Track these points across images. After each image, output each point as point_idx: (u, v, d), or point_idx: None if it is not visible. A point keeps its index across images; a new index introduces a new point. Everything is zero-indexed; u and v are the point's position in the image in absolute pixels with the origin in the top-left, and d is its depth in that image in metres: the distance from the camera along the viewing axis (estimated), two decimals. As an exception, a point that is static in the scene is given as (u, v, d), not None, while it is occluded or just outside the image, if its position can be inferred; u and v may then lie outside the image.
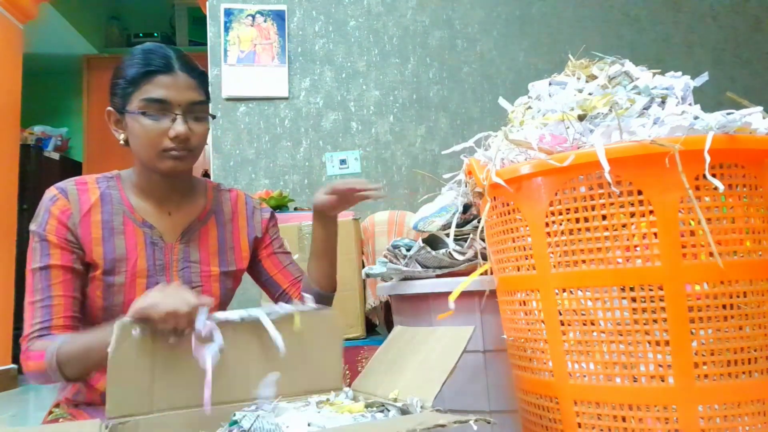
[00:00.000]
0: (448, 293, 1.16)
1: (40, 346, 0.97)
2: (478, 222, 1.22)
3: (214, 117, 1.09)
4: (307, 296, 1.02)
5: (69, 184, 1.05)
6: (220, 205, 1.15)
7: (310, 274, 1.16)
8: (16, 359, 3.24)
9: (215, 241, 1.12)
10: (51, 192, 1.03)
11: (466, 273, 1.20)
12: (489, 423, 0.64)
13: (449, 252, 1.20)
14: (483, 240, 1.15)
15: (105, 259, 1.02)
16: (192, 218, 1.11)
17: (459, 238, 1.25)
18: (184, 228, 1.09)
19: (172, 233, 1.08)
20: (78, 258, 1.01)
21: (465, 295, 1.14)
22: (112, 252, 1.03)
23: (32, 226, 1.02)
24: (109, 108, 1.03)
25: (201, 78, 1.04)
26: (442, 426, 0.61)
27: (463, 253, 1.20)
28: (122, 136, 1.03)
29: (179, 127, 0.99)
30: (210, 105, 1.08)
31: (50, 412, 1.07)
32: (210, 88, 1.11)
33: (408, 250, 1.30)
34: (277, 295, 1.19)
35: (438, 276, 1.23)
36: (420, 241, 1.23)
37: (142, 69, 0.99)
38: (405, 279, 1.29)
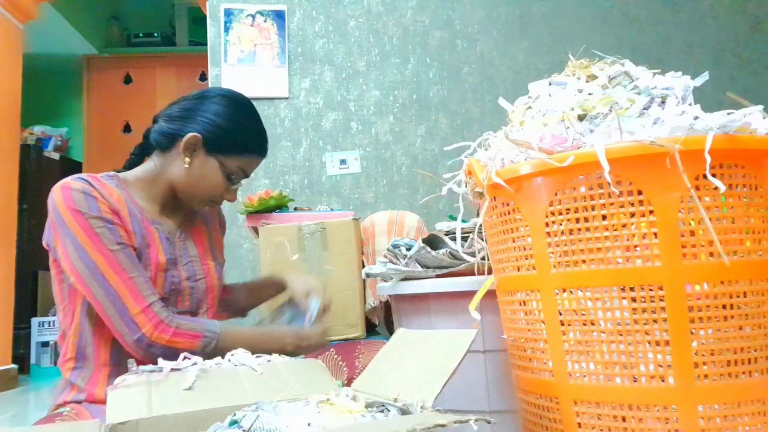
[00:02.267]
0: (448, 293, 1.17)
1: (188, 325, 1.03)
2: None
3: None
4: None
5: (86, 177, 1.05)
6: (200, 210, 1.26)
7: (238, 299, 1.38)
8: (16, 359, 3.23)
9: (205, 239, 1.23)
10: (78, 184, 1.02)
11: (466, 273, 1.20)
12: (489, 423, 0.64)
13: (449, 252, 1.20)
14: (483, 240, 1.15)
15: (137, 248, 1.06)
16: (183, 220, 1.20)
17: (463, 237, 1.25)
18: (179, 228, 1.18)
19: (174, 231, 1.16)
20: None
21: (465, 295, 1.14)
22: (142, 242, 1.07)
23: (84, 211, 0.99)
24: (196, 134, 1.08)
25: None
26: (442, 426, 0.61)
27: (466, 253, 1.20)
28: (187, 161, 1.09)
29: (234, 195, 1.17)
30: None
31: (55, 408, 1.07)
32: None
33: (408, 249, 1.30)
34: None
35: (438, 276, 1.23)
36: (420, 241, 1.23)
37: (256, 151, 1.15)
38: (405, 279, 1.29)
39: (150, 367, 0.90)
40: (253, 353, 1.03)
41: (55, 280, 1.08)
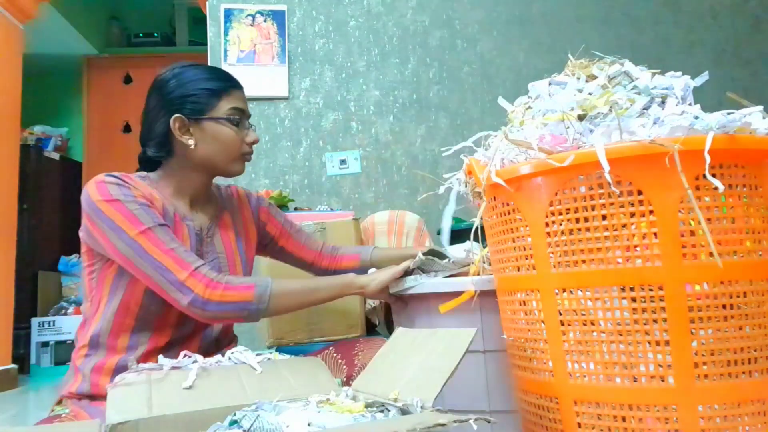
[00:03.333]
0: (448, 293, 1.16)
1: (240, 280, 1.05)
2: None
3: None
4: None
5: (118, 175, 1.08)
6: (228, 202, 1.27)
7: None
8: (16, 359, 3.23)
9: (233, 234, 1.22)
10: (109, 178, 1.05)
11: (466, 273, 1.20)
12: (489, 422, 0.64)
13: (452, 261, 1.20)
14: (477, 240, 1.14)
15: None
16: (212, 215, 1.21)
17: (458, 241, 1.25)
18: (208, 224, 1.19)
19: (204, 227, 1.17)
20: None
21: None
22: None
23: (117, 197, 1.03)
24: (178, 115, 1.10)
25: None
26: (442, 425, 0.61)
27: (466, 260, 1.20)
28: (191, 141, 1.11)
29: (254, 134, 1.17)
30: None
31: (52, 410, 1.07)
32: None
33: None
34: (308, 267, 1.38)
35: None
36: (420, 254, 1.22)
37: (224, 83, 1.14)
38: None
39: (150, 365, 0.90)
40: (308, 303, 1.13)
41: (85, 271, 1.12)
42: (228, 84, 1.15)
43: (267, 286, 1.06)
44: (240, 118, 1.14)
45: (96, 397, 1.05)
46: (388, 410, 0.79)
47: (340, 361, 1.18)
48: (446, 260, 1.21)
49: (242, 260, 1.22)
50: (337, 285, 1.15)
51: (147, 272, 1.01)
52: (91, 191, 1.04)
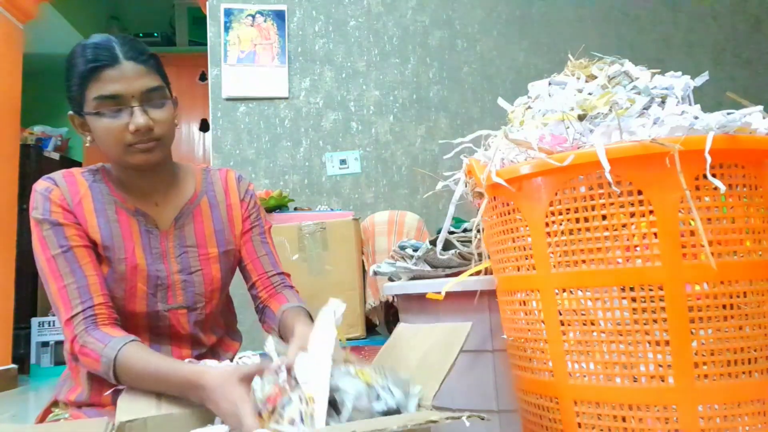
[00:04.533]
0: (456, 293, 1.17)
1: (93, 344, 0.92)
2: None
3: (176, 103, 1.05)
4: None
5: (57, 175, 1.03)
6: (211, 186, 1.14)
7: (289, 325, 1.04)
8: (16, 359, 3.23)
9: (210, 222, 1.10)
10: (43, 184, 1.01)
11: (474, 272, 1.20)
12: (483, 419, 0.64)
13: (458, 253, 1.20)
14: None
15: (103, 245, 1.01)
16: (182, 204, 1.09)
17: (466, 240, 1.25)
18: (176, 214, 1.08)
19: (165, 220, 1.07)
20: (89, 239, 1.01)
21: (473, 294, 1.14)
22: (109, 239, 1.01)
23: (35, 215, 0.99)
24: (70, 112, 1.01)
25: (152, 62, 0.99)
26: (434, 422, 0.61)
27: (471, 254, 1.20)
28: (89, 138, 1.01)
29: (138, 119, 0.95)
30: (169, 88, 1.03)
31: (49, 410, 1.06)
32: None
33: (415, 250, 1.30)
34: (248, 285, 1.15)
35: (447, 275, 1.23)
36: (427, 242, 1.22)
37: (86, 66, 0.95)
38: (413, 279, 1.29)
39: None
40: (155, 390, 0.90)
41: None
42: (92, 65, 0.94)
43: (110, 365, 0.91)
44: (112, 107, 0.96)
45: (95, 404, 1.03)
46: (393, 395, 0.77)
47: None
48: (452, 251, 1.20)
49: (220, 252, 1.09)
50: (182, 385, 0.88)
51: (49, 299, 1.01)
52: (30, 196, 1.02)
